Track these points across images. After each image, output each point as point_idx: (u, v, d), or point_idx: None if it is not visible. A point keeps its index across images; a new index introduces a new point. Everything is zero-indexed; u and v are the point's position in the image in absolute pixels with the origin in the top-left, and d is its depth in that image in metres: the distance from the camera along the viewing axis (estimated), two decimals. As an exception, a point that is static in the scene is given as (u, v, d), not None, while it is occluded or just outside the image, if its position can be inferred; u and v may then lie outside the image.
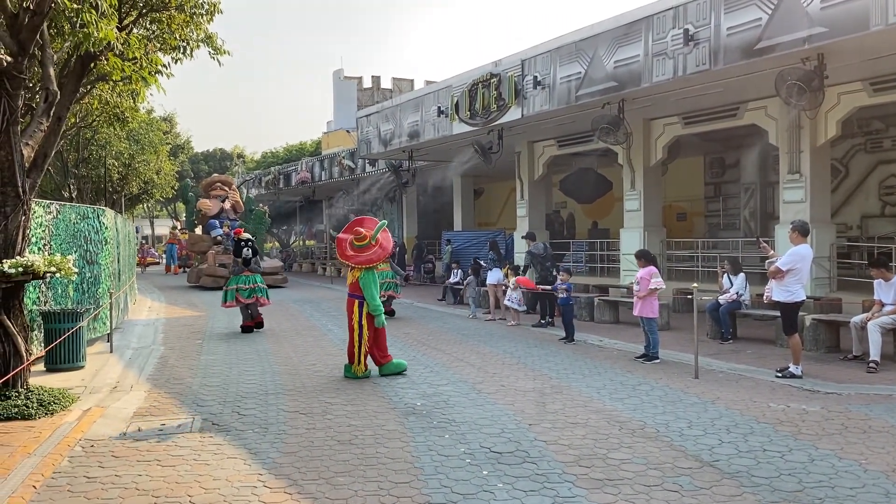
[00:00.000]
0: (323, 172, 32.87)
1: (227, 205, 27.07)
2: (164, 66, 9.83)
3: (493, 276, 15.29)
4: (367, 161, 27.23)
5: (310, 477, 5.27)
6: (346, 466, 5.49)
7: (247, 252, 13.39)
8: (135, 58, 8.46)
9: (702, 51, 11.67)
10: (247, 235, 13.75)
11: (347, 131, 37.57)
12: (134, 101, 14.76)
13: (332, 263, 32.72)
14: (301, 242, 45.18)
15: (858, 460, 5.48)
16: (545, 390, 8.10)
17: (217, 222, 26.27)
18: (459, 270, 19.17)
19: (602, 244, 20.34)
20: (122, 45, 7.62)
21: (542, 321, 13.81)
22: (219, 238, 25.64)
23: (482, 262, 17.04)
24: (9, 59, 6.86)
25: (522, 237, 16.89)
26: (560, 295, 12.07)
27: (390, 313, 14.88)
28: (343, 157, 30.41)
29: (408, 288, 24.50)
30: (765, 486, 4.95)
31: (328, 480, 5.19)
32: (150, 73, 9.37)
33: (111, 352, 11.19)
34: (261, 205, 28.91)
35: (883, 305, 9.32)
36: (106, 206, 19.84)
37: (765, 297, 9.17)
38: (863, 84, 12.44)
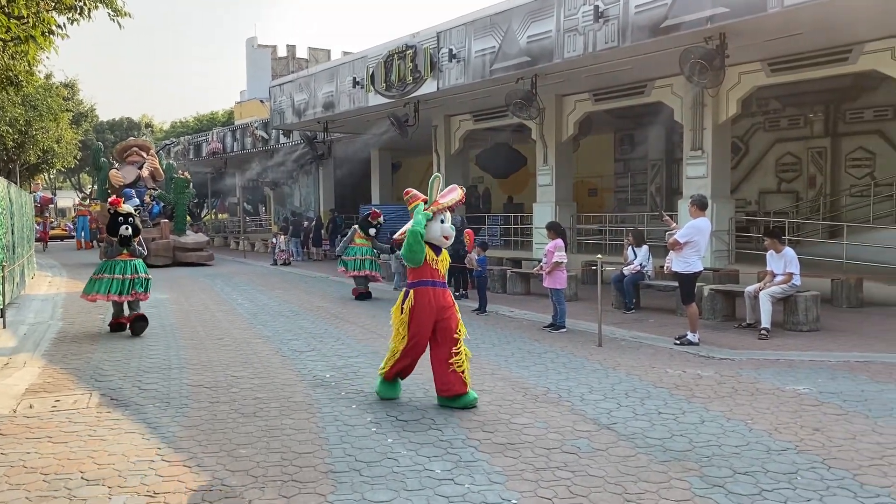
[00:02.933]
0: (235, 143, 31.95)
1: (145, 172, 24.83)
2: (59, 26, 9.32)
3: None
4: (280, 132, 26.62)
5: (211, 450, 5.18)
6: (248, 438, 5.42)
7: (125, 230, 10.04)
8: (23, 16, 7.94)
9: (611, 28, 11.91)
10: (127, 208, 10.33)
11: (261, 101, 36.58)
12: (29, 65, 13.91)
13: (245, 238, 32.00)
14: (213, 216, 43.95)
15: (745, 420, 5.79)
16: (455, 360, 8.18)
17: (132, 192, 23.76)
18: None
19: (517, 218, 20.65)
20: (6, 1, 7.13)
21: (456, 293, 13.93)
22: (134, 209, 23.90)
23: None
24: None
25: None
26: (476, 268, 12.19)
27: (366, 295, 14.02)
28: (256, 128, 29.63)
29: (323, 262, 24.28)
30: (658, 446, 5.18)
31: (229, 453, 5.11)
32: (42, 33, 8.85)
33: (3, 327, 10.64)
34: (183, 172, 26.25)
35: (774, 276, 9.84)
36: (-1, 175, 18.71)
37: (665, 268, 9.55)
38: (761, 64, 12.99)
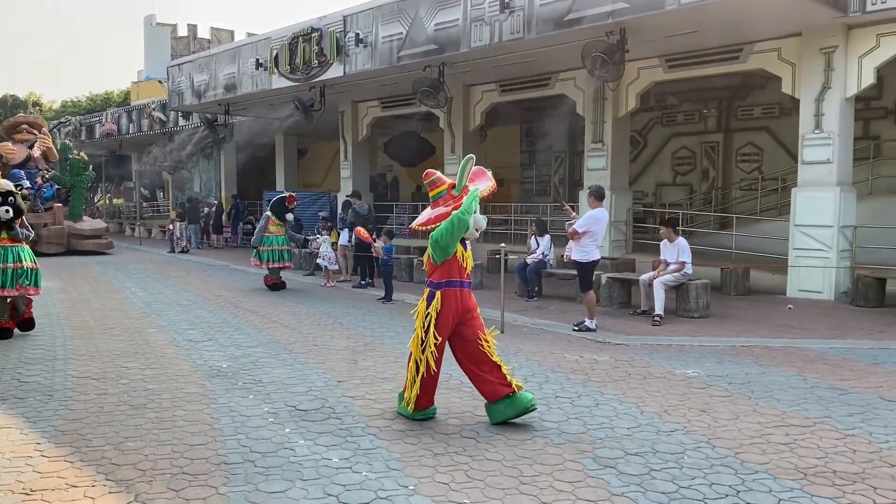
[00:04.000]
0: (131, 125, 30.51)
1: (37, 152, 22.81)
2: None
3: (344, 236, 14.90)
4: (180, 114, 25.61)
5: (96, 444, 4.91)
6: (137, 431, 5.18)
7: (4, 213, 8.41)
8: None
9: (517, 19, 12.04)
10: (5, 184, 8.73)
11: (160, 81, 35.03)
12: None
13: (141, 224, 30.69)
14: (107, 201, 41.91)
15: (636, 403, 5.99)
16: (358, 348, 8.12)
17: (21, 172, 21.58)
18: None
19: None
20: None
21: (363, 282, 13.83)
22: (25, 192, 21.74)
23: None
24: None
25: (347, 196, 16.71)
26: (382, 256, 12.10)
27: (280, 286, 13.31)
28: (154, 109, 28.39)
29: (224, 250, 23.59)
30: (553, 429, 5.28)
31: (116, 446, 4.86)
32: None
33: None
34: (80, 152, 24.21)
35: (668, 265, 10.24)
36: None
37: (564, 257, 9.77)
38: (659, 60, 13.47)
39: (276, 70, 17.15)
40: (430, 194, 5.54)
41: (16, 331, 8.75)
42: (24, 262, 8.56)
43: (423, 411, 5.43)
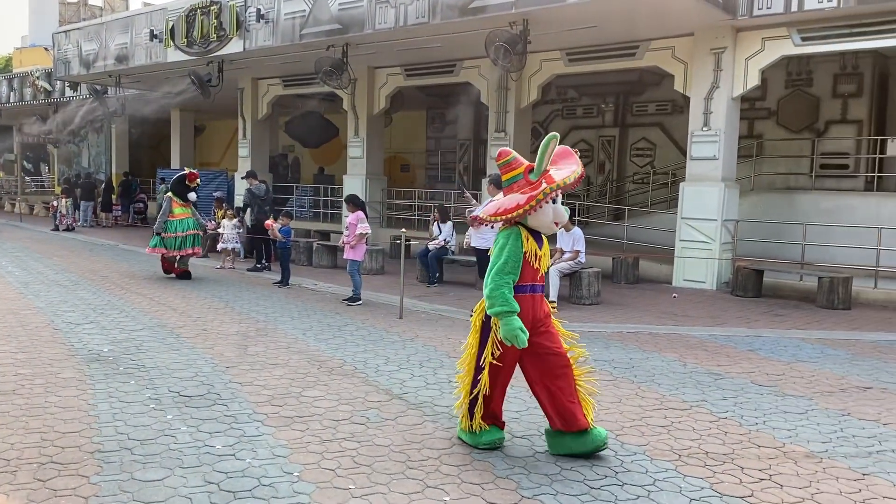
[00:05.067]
0: (13, 93, 28.44)
1: None
2: None
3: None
4: (67, 84, 24.12)
5: (-47, 433, 4.58)
6: (4, 419, 4.85)
7: None
8: None
9: (423, 4, 11.98)
10: None
11: (46, 49, 32.85)
12: None
13: (23, 199, 28.79)
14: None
15: (526, 388, 6.08)
16: (249, 333, 7.91)
17: None
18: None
19: (327, 190, 20.35)
20: None
21: (258, 265, 13.49)
22: None
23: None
24: None
25: (242, 177, 16.23)
26: (280, 238, 11.81)
27: (187, 275, 12.00)
28: (38, 78, 26.59)
29: (113, 229, 22.49)
30: (444, 414, 5.31)
31: (-23, 436, 4.54)
32: None
33: None
34: None
35: (563, 253, 10.50)
36: None
37: (464, 244, 9.85)
38: (561, 53, 13.73)
39: (171, 43, 16.39)
40: (504, 178, 4.62)
41: None
42: None
43: (490, 434, 4.63)
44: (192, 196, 12.00)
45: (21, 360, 6.38)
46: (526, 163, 4.57)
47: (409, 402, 5.56)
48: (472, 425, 4.63)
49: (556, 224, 4.59)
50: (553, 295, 9.97)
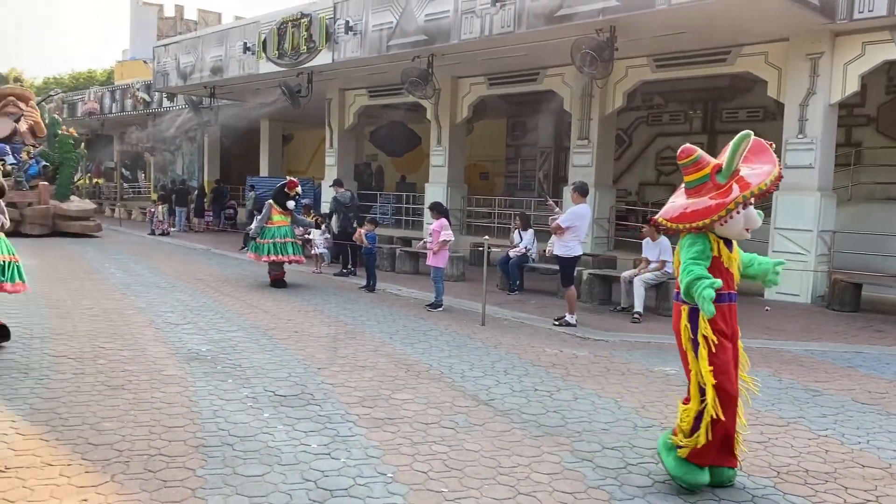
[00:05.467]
0: (114, 104, 30.15)
1: (24, 126, 21.13)
2: None
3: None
4: (164, 95, 25.31)
5: (72, 423, 4.88)
6: (115, 412, 5.15)
7: None
8: None
9: (508, 13, 12.03)
10: None
11: (145, 62, 34.62)
12: None
13: (122, 205, 30.36)
14: (87, 181, 41.36)
15: (615, 398, 6.05)
16: (339, 336, 8.11)
17: (6, 147, 20.54)
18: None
19: (409, 198, 20.64)
20: None
21: (345, 270, 13.80)
22: (9, 168, 19.71)
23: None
24: None
25: (330, 185, 16.60)
26: (366, 244, 12.09)
27: (280, 283, 11.86)
28: (138, 89, 28.06)
29: (205, 234, 23.41)
30: (532, 422, 5.32)
31: (93, 426, 4.83)
32: None
33: None
34: (69, 128, 22.78)
35: (649, 263, 10.32)
36: None
37: (547, 252, 9.81)
38: (647, 59, 13.52)
39: (263, 55, 17.01)
40: (687, 179, 4.17)
41: None
42: (3, 253, 6.87)
43: (699, 474, 4.07)
44: (291, 204, 11.98)
45: (127, 357, 6.74)
46: (713, 161, 4.10)
47: (497, 409, 5.58)
48: (691, 456, 4.05)
49: (747, 230, 4.07)
50: (639, 306, 9.81)
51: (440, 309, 10.08)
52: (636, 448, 4.80)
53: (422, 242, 10.34)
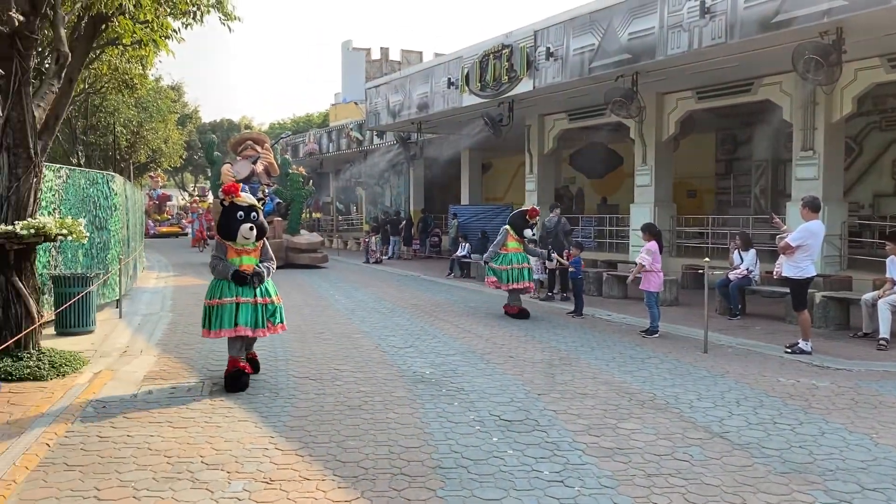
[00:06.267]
0: (331, 144, 32.77)
1: (260, 167, 22.72)
2: (174, 30, 9.75)
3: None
4: (374, 133, 27.09)
5: (321, 440, 5.30)
6: (356, 430, 5.52)
7: (248, 230, 6.81)
8: (146, 21, 8.36)
9: (718, 24, 11.50)
10: (248, 198, 7.09)
11: (356, 103, 37.33)
12: (143, 68, 14.65)
13: (338, 236, 32.75)
14: (308, 215, 45.18)
15: (869, 434, 5.46)
16: (554, 361, 8.10)
17: (247, 188, 20.95)
18: (467, 244, 19.20)
19: (611, 219, 20.27)
20: (133, 6, 7.53)
21: (550, 294, 13.80)
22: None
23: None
24: (21, 18, 6.79)
25: (550, 209, 16.21)
26: (571, 268, 12.02)
27: (524, 313, 11.44)
28: (351, 129, 30.26)
29: (413, 261, 24.54)
30: (775, 457, 4.95)
31: (339, 444, 5.21)
32: (160, 36, 9.29)
33: (120, 317, 11.23)
34: (298, 167, 24.96)
35: (894, 283, 9.25)
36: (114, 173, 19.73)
37: (775, 273, 9.12)
38: (880, 60, 12.25)
39: (466, 88, 17.65)
40: None
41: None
42: (270, 296, 7.06)
43: None
44: (528, 233, 11.61)
45: (360, 379, 7.21)
46: None
47: (733, 442, 5.26)
48: None
49: None
50: (884, 331, 8.82)
51: (656, 335, 9.73)
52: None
53: (636, 269, 9.98)
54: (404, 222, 26.89)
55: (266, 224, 7.18)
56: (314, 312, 12.03)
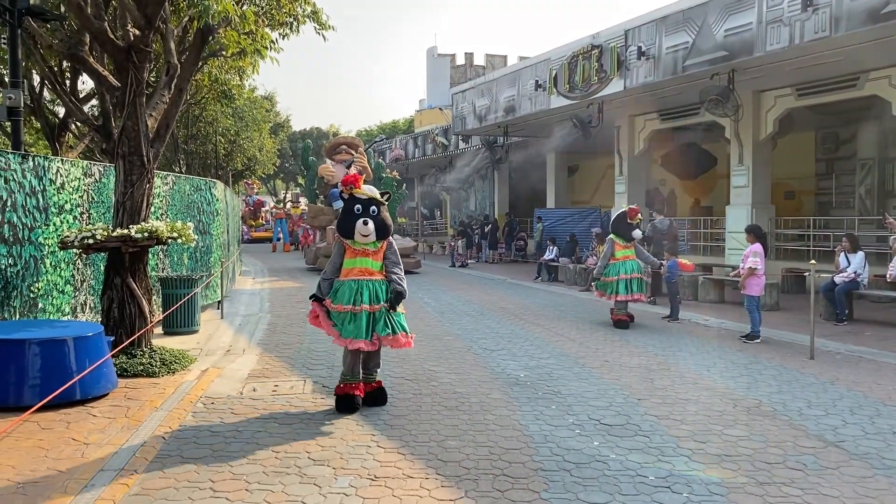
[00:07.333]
0: (416, 150, 33.15)
1: (354, 171, 22.67)
2: (272, 41, 10.10)
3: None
4: (460, 138, 27.24)
5: (420, 439, 5.36)
6: (455, 431, 5.55)
7: (363, 224, 6.09)
8: (250, 31, 8.71)
9: (821, 17, 11.01)
10: (370, 190, 6.37)
11: (440, 109, 37.68)
12: (240, 78, 15.24)
13: (423, 240, 33.08)
14: (394, 219, 45.84)
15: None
16: (651, 367, 7.93)
17: (339, 191, 22.91)
18: (555, 248, 19.05)
19: (705, 222, 19.67)
20: (238, 17, 7.85)
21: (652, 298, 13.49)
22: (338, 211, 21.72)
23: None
24: (136, 32, 7.19)
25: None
26: (665, 273, 11.75)
27: (627, 322, 10.65)
28: (437, 135, 30.54)
29: (498, 264, 24.52)
30: (897, 469, 4.68)
31: (439, 444, 5.26)
32: (261, 46, 9.65)
33: (222, 318, 11.69)
34: (392, 171, 24.74)
35: None
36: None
37: (888, 276, 8.65)
38: None
39: (554, 90, 17.52)
40: None
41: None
42: (381, 301, 6.17)
43: None
44: (637, 234, 10.85)
45: (455, 381, 7.26)
46: None
47: (850, 452, 5.02)
48: None
49: None
50: None
51: (757, 341, 9.37)
52: None
53: (733, 273, 9.64)
54: (490, 226, 26.90)
55: (389, 221, 6.31)
56: (405, 314, 12.15)
